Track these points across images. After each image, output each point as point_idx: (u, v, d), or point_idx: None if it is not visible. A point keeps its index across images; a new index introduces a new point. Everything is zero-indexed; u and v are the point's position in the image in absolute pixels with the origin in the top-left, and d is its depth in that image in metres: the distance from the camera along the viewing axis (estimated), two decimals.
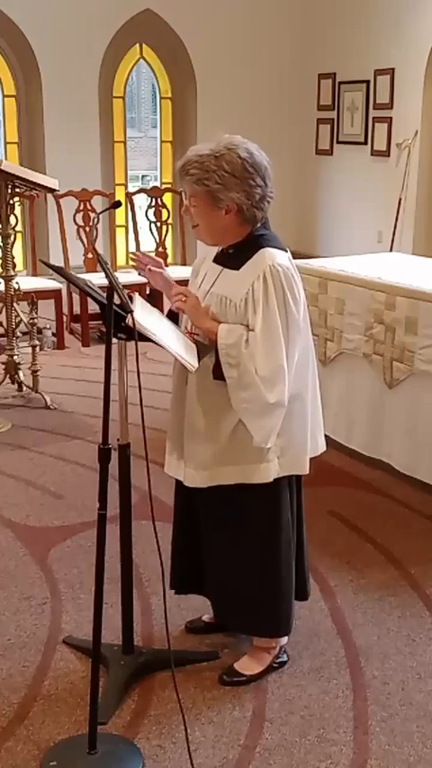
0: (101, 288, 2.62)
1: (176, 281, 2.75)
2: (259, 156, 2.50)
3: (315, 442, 2.73)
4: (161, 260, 2.78)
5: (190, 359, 2.47)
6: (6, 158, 8.61)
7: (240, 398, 2.49)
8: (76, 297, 6.98)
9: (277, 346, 2.44)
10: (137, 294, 2.62)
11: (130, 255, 2.78)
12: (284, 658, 2.82)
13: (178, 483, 2.76)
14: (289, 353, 2.47)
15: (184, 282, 2.78)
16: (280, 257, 2.50)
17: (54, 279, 6.73)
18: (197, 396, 2.59)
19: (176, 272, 7.16)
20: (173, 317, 2.73)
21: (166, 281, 2.73)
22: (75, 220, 7.05)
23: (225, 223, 2.52)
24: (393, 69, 8.69)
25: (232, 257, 2.57)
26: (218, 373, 2.51)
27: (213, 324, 2.52)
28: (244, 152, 2.46)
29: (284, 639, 2.81)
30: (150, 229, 7.45)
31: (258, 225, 2.55)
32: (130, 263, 2.78)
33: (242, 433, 2.54)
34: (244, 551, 2.67)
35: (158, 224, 7.46)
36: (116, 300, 2.31)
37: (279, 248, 2.54)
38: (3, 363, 5.52)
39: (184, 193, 2.59)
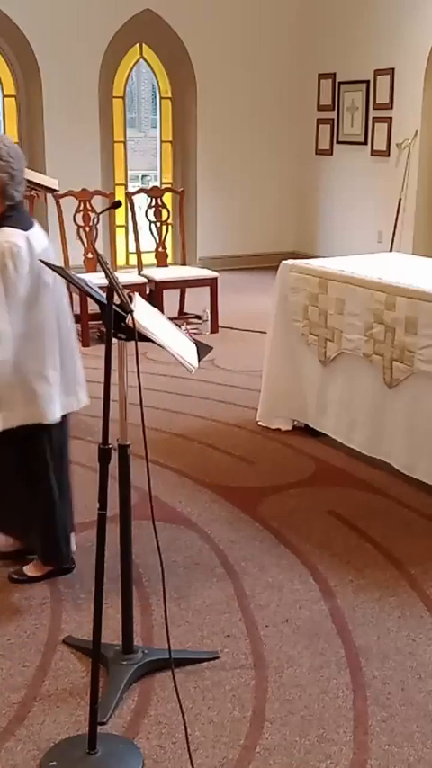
0: (101, 288, 2.62)
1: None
2: (15, 148, 2.94)
3: (69, 399, 3.16)
4: None
5: (189, 359, 2.47)
6: None
7: None
8: (76, 297, 6.95)
9: None
10: (137, 294, 2.63)
11: None
12: (69, 565, 3.31)
13: None
14: (12, 319, 2.84)
15: None
16: (13, 236, 2.85)
17: None
18: None
19: (177, 272, 7.16)
20: None
21: None
22: (75, 220, 7.05)
23: None
24: (393, 69, 8.69)
25: None
26: None
27: None
28: (8, 141, 2.94)
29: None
30: (150, 229, 7.45)
31: (13, 204, 2.93)
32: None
33: None
34: (24, 489, 3.17)
35: (158, 224, 7.45)
36: (116, 300, 2.31)
37: (19, 228, 2.88)
38: None
39: None
